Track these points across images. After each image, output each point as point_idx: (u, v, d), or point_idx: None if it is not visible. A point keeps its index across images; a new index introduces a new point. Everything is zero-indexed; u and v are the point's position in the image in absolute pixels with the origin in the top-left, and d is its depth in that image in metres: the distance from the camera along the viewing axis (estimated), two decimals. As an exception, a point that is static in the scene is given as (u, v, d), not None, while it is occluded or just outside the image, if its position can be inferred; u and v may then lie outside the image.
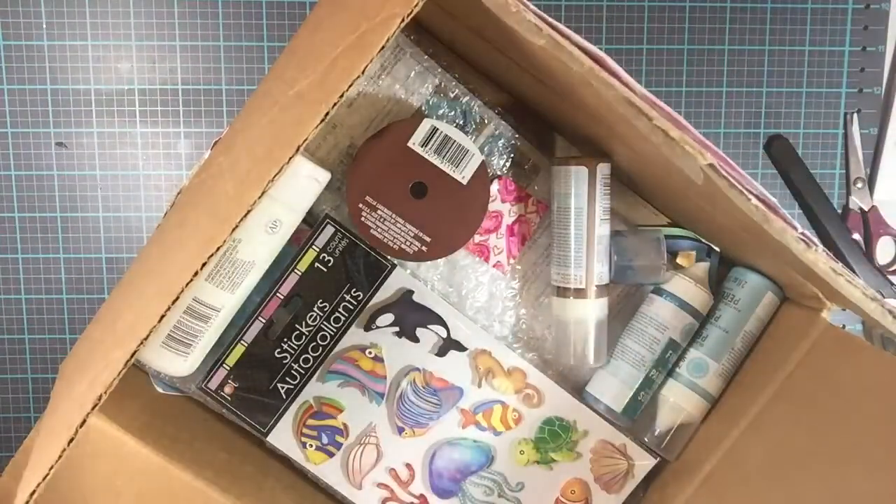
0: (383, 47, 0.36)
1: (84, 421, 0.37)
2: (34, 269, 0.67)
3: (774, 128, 0.69)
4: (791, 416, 0.50)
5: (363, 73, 0.37)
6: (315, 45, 0.43)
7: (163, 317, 0.37)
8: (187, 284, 0.37)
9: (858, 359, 0.48)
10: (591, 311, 0.55)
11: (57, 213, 0.66)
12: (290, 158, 0.37)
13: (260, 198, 0.37)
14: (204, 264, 0.37)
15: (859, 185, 0.68)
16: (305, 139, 0.37)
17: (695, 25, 0.67)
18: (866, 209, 0.69)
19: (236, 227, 0.37)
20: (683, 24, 0.67)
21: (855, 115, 0.68)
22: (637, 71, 0.67)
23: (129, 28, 0.66)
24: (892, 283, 0.67)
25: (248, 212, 0.37)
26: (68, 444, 0.38)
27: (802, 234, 0.36)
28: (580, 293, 0.55)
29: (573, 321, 0.55)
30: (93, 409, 0.37)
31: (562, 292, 0.56)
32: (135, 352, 0.37)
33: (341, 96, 0.36)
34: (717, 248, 0.59)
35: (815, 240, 0.36)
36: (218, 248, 0.37)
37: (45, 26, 0.65)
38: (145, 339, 0.37)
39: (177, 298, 0.37)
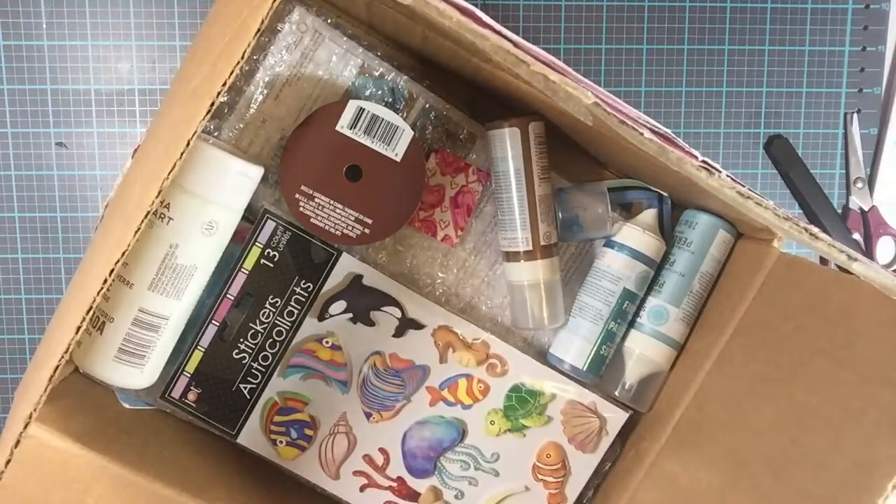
0: (260, 30, 0.36)
1: (18, 442, 0.38)
2: (34, 269, 0.67)
3: (774, 128, 0.68)
4: (748, 349, 0.50)
5: (244, 58, 0.36)
6: (209, 38, 0.43)
7: (79, 328, 0.37)
8: (98, 293, 0.37)
9: (810, 280, 0.48)
10: (541, 272, 0.54)
11: (57, 213, 0.67)
12: (182, 154, 0.36)
13: (158, 196, 0.36)
14: (112, 270, 0.37)
15: (859, 185, 0.68)
16: (194, 133, 0.36)
17: (695, 25, 0.67)
18: (866, 209, 0.69)
19: (139, 229, 0.37)
20: (683, 24, 0.67)
21: (855, 115, 0.68)
22: (637, 71, 0.67)
23: (129, 28, 0.66)
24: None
25: (149, 212, 0.37)
26: (6, 466, 0.38)
27: (703, 161, 0.35)
28: (529, 255, 0.54)
29: (526, 284, 0.55)
30: (25, 428, 0.37)
31: (511, 257, 0.55)
32: (57, 367, 0.37)
33: (224, 84, 0.36)
34: (664, 194, 0.58)
35: (717, 166, 0.35)
36: (123, 253, 0.37)
37: (45, 26, 0.65)
38: (65, 353, 0.37)
39: (90, 309, 0.37)
